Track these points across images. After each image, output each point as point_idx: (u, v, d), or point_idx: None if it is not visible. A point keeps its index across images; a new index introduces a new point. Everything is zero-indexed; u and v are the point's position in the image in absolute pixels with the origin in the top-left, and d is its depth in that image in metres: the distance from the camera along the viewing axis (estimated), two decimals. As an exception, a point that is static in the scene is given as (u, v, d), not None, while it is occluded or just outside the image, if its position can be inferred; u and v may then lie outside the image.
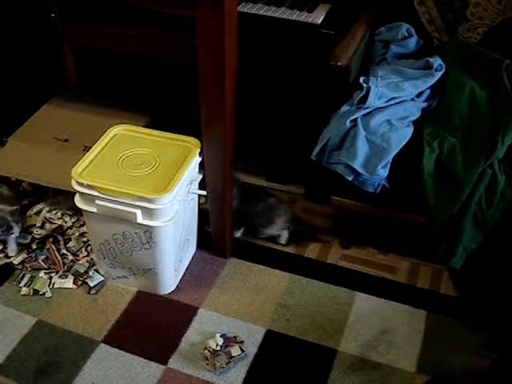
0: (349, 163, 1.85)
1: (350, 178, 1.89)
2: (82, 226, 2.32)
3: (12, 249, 2.20)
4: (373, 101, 1.92)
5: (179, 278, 2.14)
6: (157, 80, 2.66)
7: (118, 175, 1.87)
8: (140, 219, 1.82)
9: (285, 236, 2.27)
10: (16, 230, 2.18)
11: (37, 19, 2.47)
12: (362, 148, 1.85)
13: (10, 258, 2.20)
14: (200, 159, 1.98)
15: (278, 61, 2.17)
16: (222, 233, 2.14)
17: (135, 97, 2.60)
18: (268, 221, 2.25)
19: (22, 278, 2.13)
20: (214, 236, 2.18)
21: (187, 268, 2.19)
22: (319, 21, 2.09)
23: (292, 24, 2.10)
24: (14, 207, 2.24)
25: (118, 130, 2.06)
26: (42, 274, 2.14)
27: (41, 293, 2.09)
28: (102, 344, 1.94)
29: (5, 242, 2.22)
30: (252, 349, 1.92)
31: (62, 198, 2.40)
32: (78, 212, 2.33)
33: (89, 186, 1.83)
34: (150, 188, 1.82)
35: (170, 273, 2.04)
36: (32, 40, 2.59)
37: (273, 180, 2.54)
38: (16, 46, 2.64)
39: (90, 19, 2.38)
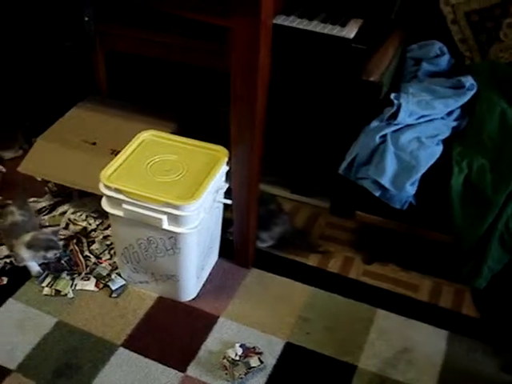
0: (377, 179, 1.85)
1: (377, 194, 1.88)
2: (105, 228, 2.33)
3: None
4: (403, 117, 1.91)
5: (200, 285, 2.14)
6: (185, 87, 2.67)
7: (145, 180, 1.88)
8: (166, 225, 1.83)
9: (268, 244, 2.28)
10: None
11: (71, 23, 2.50)
12: (390, 164, 1.85)
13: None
14: (227, 168, 1.98)
15: (309, 74, 2.18)
16: (246, 242, 2.14)
17: (163, 103, 2.62)
18: (265, 226, 2.24)
19: (44, 278, 2.14)
20: (237, 245, 2.18)
21: (208, 276, 2.19)
22: (352, 35, 2.09)
23: (324, 38, 2.10)
24: (57, 228, 2.27)
25: (146, 135, 2.08)
26: (64, 274, 2.15)
27: (62, 294, 2.10)
28: (122, 348, 1.94)
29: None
30: (271, 360, 1.92)
31: (87, 200, 2.42)
32: (102, 215, 2.35)
33: (116, 190, 1.84)
34: (176, 195, 1.82)
35: (192, 280, 2.04)
36: (66, 43, 2.62)
37: (297, 192, 2.54)
38: (50, 48, 2.66)
39: (122, 24, 2.41)
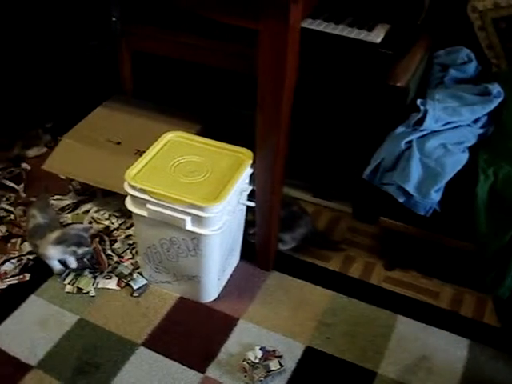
0: (401, 185, 1.84)
1: (401, 200, 1.87)
2: (128, 228, 2.34)
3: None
4: (429, 124, 1.91)
5: (221, 287, 2.14)
6: (209, 89, 2.68)
7: (170, 181, 1.89)
8: (189, 226, 1.84)
9: (290, 246, 2.28)
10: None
11: (98, 22, 2.52)
12: (415, 170, 1.84)
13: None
14: (251, 171, 1.98)
15: (335, 78, 2.17)
16: (267, 245, 2.14)
17: (187, 104, 2.62)
18: (287, 228, 2.24)
19: (66, 276, 2.15)
20: (259, 248, 2.18)
21: (229, 278, 2.19)
22: (378, 40, 2.09)
23: (351, 42, 2.10)
24: (87, 225, 2.29)
25: (171, 136, 2.08)
26: (86, 272, 2.17)
27: (84, 291, 2.11)
28: (142, 347, 1.95)
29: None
30: (291, 364, 1.92)
31: (110, 199, 2.43)
32: (124, 214, 2.36)
33: (141, 190, 1.85)
34: (201, 196, 1.83)
35: (214, 281, 2.05)
36: (92, 42, 2.64)
37: (318, 196, 2.54)
38: (76, 47, 2.68)
39: (149, 25, 2.42)
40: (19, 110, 2.79)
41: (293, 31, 1.64)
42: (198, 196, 1.82)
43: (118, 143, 2.35)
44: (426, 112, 1.91)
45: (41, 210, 2.19)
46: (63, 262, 2.15)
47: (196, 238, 1.87)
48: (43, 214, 2.18)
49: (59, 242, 2.08)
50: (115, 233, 2.33)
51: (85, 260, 2.18)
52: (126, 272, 2.17)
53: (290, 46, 1.64)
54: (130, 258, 2.23)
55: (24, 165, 2.70)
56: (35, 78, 2.79)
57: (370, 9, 2.21)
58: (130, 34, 2.48)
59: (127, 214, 2.33)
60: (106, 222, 2.37)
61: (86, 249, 2.12)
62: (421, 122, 1.91)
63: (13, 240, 2.31)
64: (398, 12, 2.19)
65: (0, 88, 2.75)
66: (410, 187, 1.83)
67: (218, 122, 2.53)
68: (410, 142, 1.89)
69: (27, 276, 2.16)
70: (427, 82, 2.20)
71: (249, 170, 1.98)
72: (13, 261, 2.21)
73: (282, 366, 1.88)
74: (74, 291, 2.12)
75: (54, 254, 2.11)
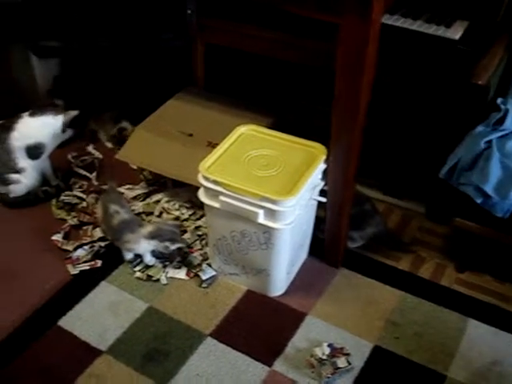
0: (480, 185, 1.80)
1: (478, 201, 1.83)
2: (198, 219, 2.36)
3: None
4: (510, 123, 1.86)
5: (289, 281, 2.14)
6: (281, 82, 2.67)
7: (243, 174, 1.89)
8: (261, 219, 1.84)
9: (358, 244, 2.25)
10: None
11: (174, 15, 2.54)
12: (495, 171, 1.79)
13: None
14: (324, 166, 1.97)
15: (412, 74, 2.14)
16: (337, 242, 2.13)
17: (259, 98, 2.63)
18: (358, 226, 2.21)
19: (137, 264, 2.19)
20: (328, 244, 2.16)
21: (297, 273, 2.19)
22: (457, 37, 2.04)
23: (429, 38, 2.06)
24: (178, 222, 2.32)
25: (244, 129, 2.09)
26: (157, 262, 2.19)
27: (154, 279, 2.14)
28: (210, 338, 1.96)
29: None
30: (358, 362, 1.90)
31: (181, 190, 2.45)
32: (194, 205, 2.38)
33: (215, 182, 1.87)
34: (274, 189, 1.82)
35: (282, 276, 2.05)
36: (167, 35, 2.67)
37: (389, 194, 2.50)
38: (151, 39, 2.72)
39: (225, 18, 2.43)
40: (94, 101, 2.85)
41: (374, 26, 1.62)
42: (271, 190, 1.82)
43: (190, 135, 2.37)
44: (506, 111, 1.87)
45: (121, 205, 2.18)
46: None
47: (268, 231, 1.87)
48: (125, 208, 2.19)
49: (153, 236, 2.10)
50: (185, 223, 2.35)
51: (174, 254, 2.20)
52: (195, 262, 2.19)
53: (370, 41, 1.62)
54: (199, 249, 2.24)
55: (96, 153, 2.75)
56: (110, 69, 2.84)
57: (448, 5, 2.16)
58: (203, 27, 2.50)
59: (197, 205, 2.35)
60: (177, 213, 2.39)
61: (179, 245, 2.14)
62: (501, 121, 1.87)
63: (85, 227, 2.36)
64: (477, 8, 2.13)
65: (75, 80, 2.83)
66: (489, 188, 1.79)
67: (290, 116, 2.52)
68: (489, 142, 1.85)
69: (99, 262, 2.21)
70: (508, 81, 2.13)
71: (322, 166, 1.96)
72: (85, 247, 2.26)
73: (349, 363, 1.87)
74: (144, 279, 2.15)
75: (147, 248, 2.14)
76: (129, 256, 2.18)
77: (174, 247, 2.12)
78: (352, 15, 1.58)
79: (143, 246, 2.13)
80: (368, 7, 1.56)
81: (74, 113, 2.40)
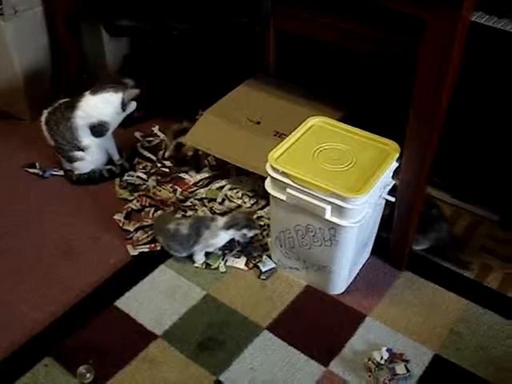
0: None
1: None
2: (260, 209, 2.32)
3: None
4: None
5: (350, 280, 2.08)
6: (355, 75, 2.60)
7: (312, 167, 1.84)
8: (328, 215, 1.78)
9: (422, 247, 2.17)
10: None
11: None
12: None
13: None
14: (397, 165, 1.90)
15: (495, 73, 2.04)
16: (403, 243, 2.06)
17: (330, 89, 2.56)
18: (421, 230, 2.12)
19: (196, 251, 2.17)
20: (393, 245, 2.10)
21: (359, 272, 2.13)
22: (546, 38, 1.93)
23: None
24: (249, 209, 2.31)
25: (316, 121, 2.04)
26: (216, 249, 2.16)
27: (212, 267, 2.12)
28: (266, 331, 1.93)
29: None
30: (417, 370, 1.83)
31: (244, 178, 2.42)
32: (257, 194, 2.35)
33: (283, 174, 1.82)
34: (344, 186, 1.77)
35: (344, 274, 1.99)
36: (242, 19, 2.62)
37: (458, 197, 2.41)
38: (225, 24, 2.68)
39: (299, 5, 2.37)
40: (168, 88, 2.84)
41: (463, 23, 1.55)
42: (341, 185, 1.77)
43: (258, 123, 2.33)
44: None
45: (176, 221, 2.15)
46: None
47: (334, 228, 1.82)
48: (181, 219, 2.17)
49: (230, 226, 2.07)
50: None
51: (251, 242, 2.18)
52: (255, 253, 2.15)
53: (458, 38, 1.55)
54: (260, 240, 2.20)
55: (162, 135, 2.74)
56: (181, 52, 2.82)
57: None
58: (277, 13, 2.44)
59: (260, 195, 2.32)
60: (239, 201, 2.35)
61: (256, 231, 2.12)
62: None
63: (147, 209, 2.36)
64: None
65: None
66: None
67: (362, 110, 2.45)
68: None
69: (158, 246, 2.19)
70: None
71: (394, 164, 1.90)
72: (146, 229, 2.26)
73: (408, 370, 1.80)
74: (203, 266, 2.13)
75: (225, 238, 2.10)
76: (201, 260, 2.14)
77: (251, 234, 2.09)
78: (441, 10, 1.52)
79: (222, 238, 2.09)
80: (459, 3, 1.49)
81: (134, 91, 2.40)
